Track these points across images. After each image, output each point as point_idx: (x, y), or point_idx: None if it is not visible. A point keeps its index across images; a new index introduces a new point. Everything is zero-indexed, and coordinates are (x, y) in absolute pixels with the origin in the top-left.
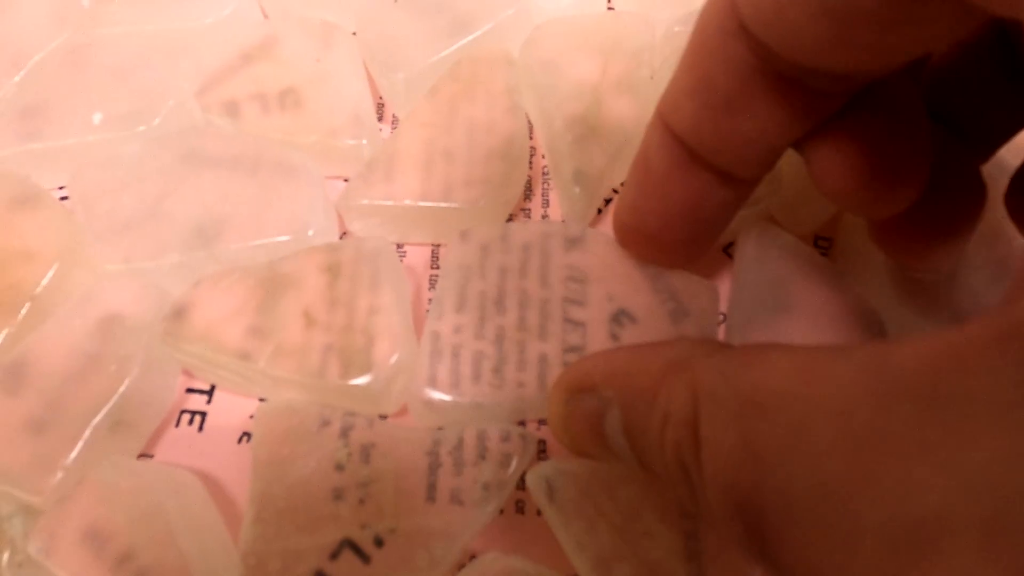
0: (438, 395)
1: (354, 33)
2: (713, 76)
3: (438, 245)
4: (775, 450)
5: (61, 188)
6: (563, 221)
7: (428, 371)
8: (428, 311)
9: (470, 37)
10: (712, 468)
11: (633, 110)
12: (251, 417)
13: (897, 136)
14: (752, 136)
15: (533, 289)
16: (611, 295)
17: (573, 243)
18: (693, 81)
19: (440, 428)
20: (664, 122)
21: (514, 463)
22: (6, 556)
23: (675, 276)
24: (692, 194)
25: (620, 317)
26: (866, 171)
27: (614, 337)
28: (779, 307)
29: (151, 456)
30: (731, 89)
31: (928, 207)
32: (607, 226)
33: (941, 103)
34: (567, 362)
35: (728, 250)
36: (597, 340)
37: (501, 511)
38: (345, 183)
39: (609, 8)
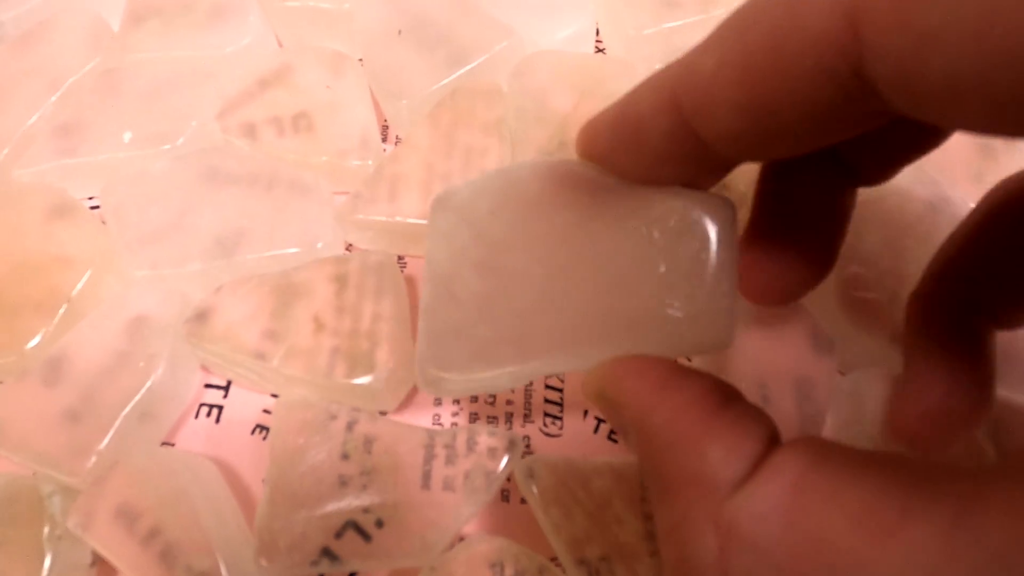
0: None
1: (360, 60)
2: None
3: None
4: None
5: (91, 198)
6: None
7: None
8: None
9: (466, 68)
10: None
11: None
12: (264, 411)
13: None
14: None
15: None
16: None
17: None
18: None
19: (436, 425)
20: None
21: (501, 457)
22: (47, 530)
23: None
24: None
25: None
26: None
27: None
28: (741, 323)
29: (172, 444)
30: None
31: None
32: None
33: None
34: None
35: None
36: None
37: None
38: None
39: (599, 51)
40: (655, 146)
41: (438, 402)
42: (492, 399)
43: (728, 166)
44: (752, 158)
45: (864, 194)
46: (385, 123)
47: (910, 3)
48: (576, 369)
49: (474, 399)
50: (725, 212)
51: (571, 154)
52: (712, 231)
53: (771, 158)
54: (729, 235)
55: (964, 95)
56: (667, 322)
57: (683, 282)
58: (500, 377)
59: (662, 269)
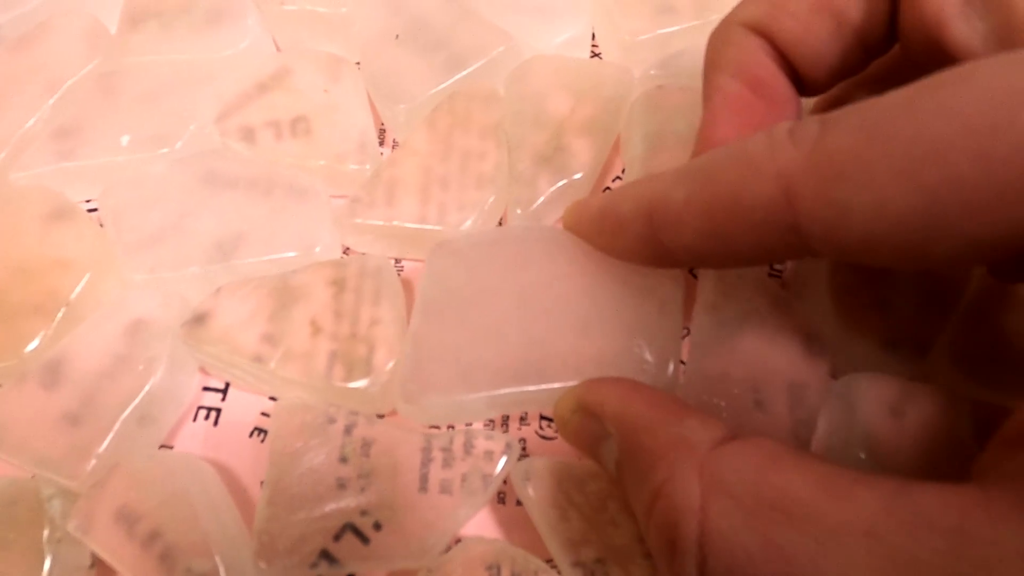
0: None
1: (358, 63)
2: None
3: None
4: (806, 558)
5: (89, 201)
6: None
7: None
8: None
9: (464, 73)
10: (725, 563)
11: (589, 152)
12: (262, 414)
13: None
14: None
15: None
16: None
17: None
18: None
19: (433, 427)
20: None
21: (498, 460)
22: (47, 533)
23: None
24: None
25: None
26: None
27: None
28: (736, 328)
29: (171, 447)
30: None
31: None
32: None
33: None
34: None
35: (694, 271)
36: None
37: None
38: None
39: (595, 55)
40: (629, 239)
41: None
42: None
43: (685, 265)
44: (705, 267)
45: None
46: (382, 127)
47: (828, 184)
48: (547, 398)
49: None
50: (678, 282)
51: (568, 157)
52: (669, 295)
53: (719, 268)
54: (679, 300)
55: (873, 247)
56: (633, 360)
57: (646, 330)
58: (476, 403)
59: (630, 320)
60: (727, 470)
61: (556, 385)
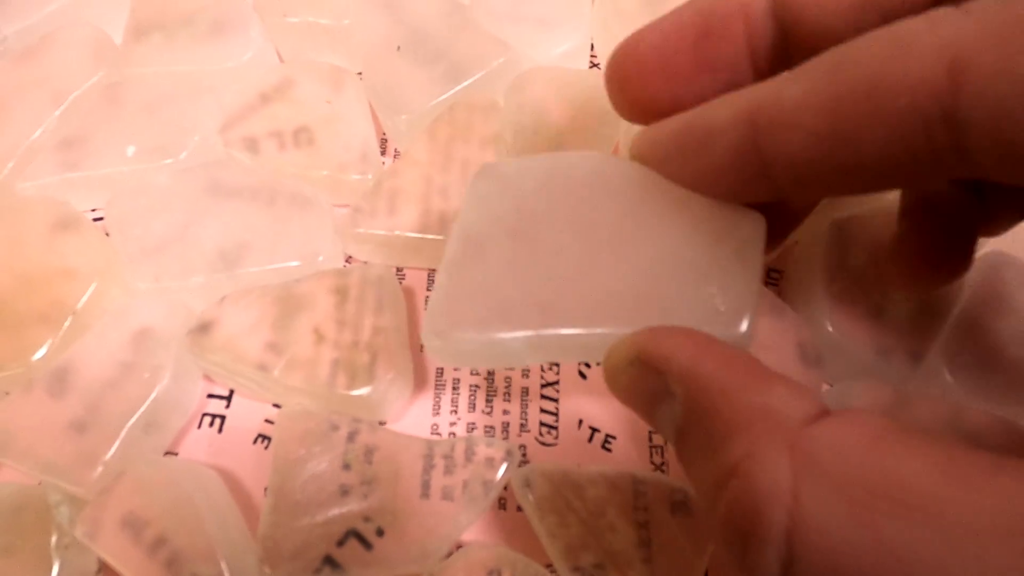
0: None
1: (359, 73)
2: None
3: (433, 269)
4: (932, 560)
5: (94, 210)
6: None
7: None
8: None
9: (464, 84)
10: (820, 561)
11: None
12: (266, 421)
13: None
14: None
15: None
16: None
17: None
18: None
19: (435, 435)
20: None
21: (499, 467)
22: (54, 539)
23: None
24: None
25: None
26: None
27: (582, 374)
28: None
29: (176, 454)
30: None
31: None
32: None
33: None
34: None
35: None
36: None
37: None
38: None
39: (594, 65)
40: (718, 157)
41: (436, 412)
42: (489, 408)
43: (775, 195)
44: (804, 191)
45: (852, 211)
46: (384, 137)
47: (1015, 52)
48: (598, 344)
49: (471, 407)
50: (760, 223)
51: None
52: (749, 236)
53: (820, 195)
54: (761, 243)
55: None
56: (704, 308)
57: (721, 275)
58: (515, 343)
59: (702, 262)
60: (826, 450)
61: (609, 330)
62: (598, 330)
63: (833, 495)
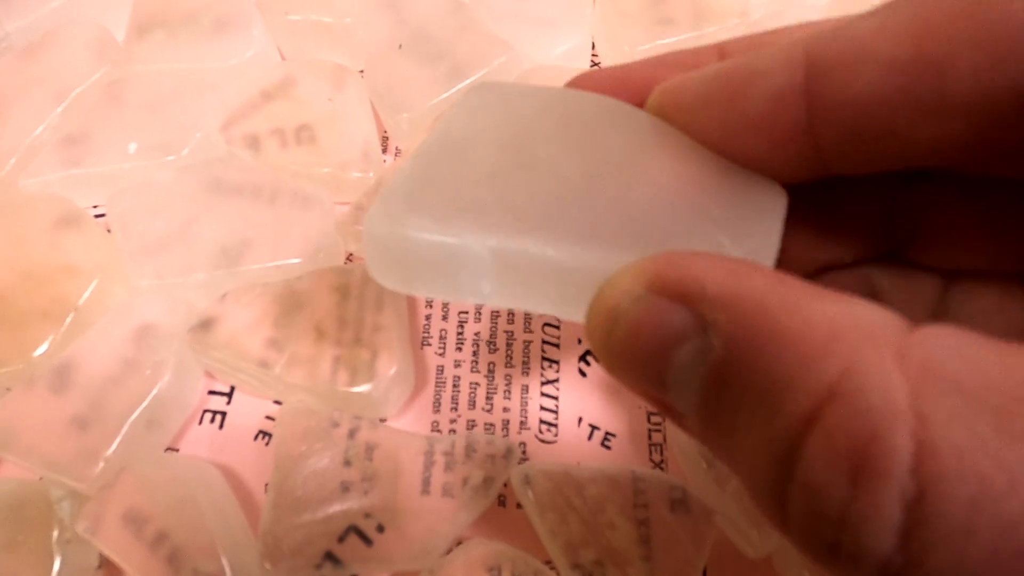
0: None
1: (361, 71)
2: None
3: None
4: None
5: (96, 207)
6: None
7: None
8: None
9: (465, 82)
10: (960, 494)
11: None
12: (266, 417)
13: None
14: None
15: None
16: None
17: None
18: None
19: (435, 432)
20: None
21: (499, 464)
22: (56, 534)
23: None
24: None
25: (586, 356)
26: None
27: (582, 372)
28: None
29: (176, 450)
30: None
31: None
32: None
33: None
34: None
35: None
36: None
37: None
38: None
39: (595, 65)
40: (756, 104)
41: (436, 409)
42: (489, 405)
43: (806, 165)
44: (852, 151)
45: None
46: (385, 135)
47: None
48: (585, 275)
49: (471, 405)
50: (782, 197)
51: None
52: (771, 206)
53: (865, 161)
54: (782, 215)
55: None
56: (714, 249)
57: (735, 228)
58: (477, 253)
59: (716, 212)
60: (946, 356)
61: (602, 254)
62: (589, 252)
63: (970, 408)
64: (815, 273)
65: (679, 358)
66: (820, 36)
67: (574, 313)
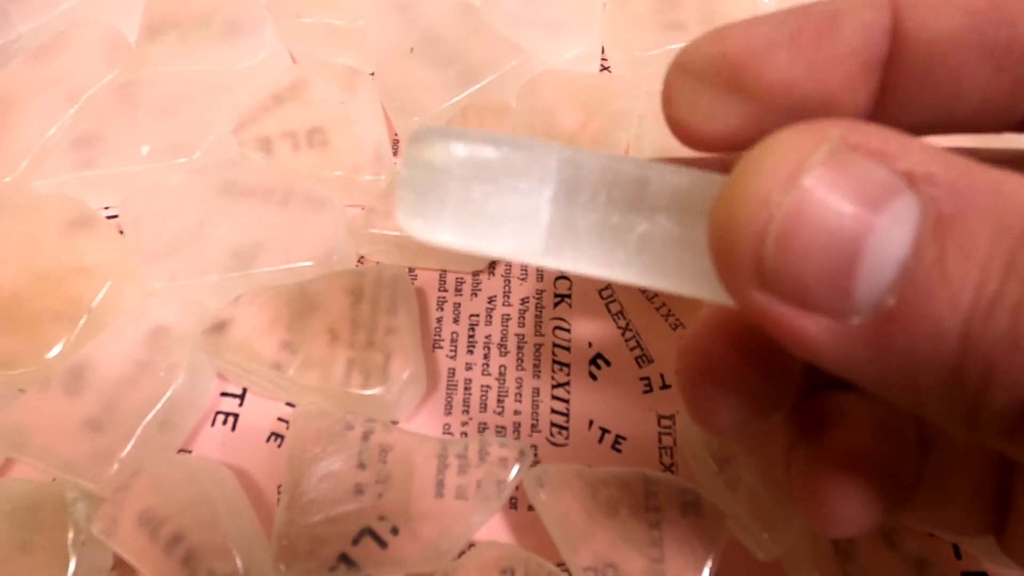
0: None
1: (372, 74)
2: None
3: (444, 271)
4: None
5: (108, 208)
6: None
7: None
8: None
9: (476, 86)
10: None
11: None
12: (279, 419)
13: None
14: None
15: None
16: (590, 341)
17: (561, 298)
18: None
19: (447, 435)
20: None
21: (512, 467)
22: (71, 536)
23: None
24: None
25: (597, 360)
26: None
27: (592, 376)
28: None
29: (189, 451)
30: None
31: None
32: (586, 283)
33: None
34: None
35: None
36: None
37: None
38: (361, 210)
39: (605, 69)
40: (847, 40)
41: (448, 412)
42: (500, 408)
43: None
44: (930, 81)
45: None
46: (397, 138)
47: None
48: (687, 184)
49: (483, 407)
50: None
51: None
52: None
53: (938, 99)
54: None
55: None
56: None
57: None
58: (540, 159)
59: None
60: None
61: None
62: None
63: None
64: None
65: (882, 223)
66: None
67: (672, 249)
